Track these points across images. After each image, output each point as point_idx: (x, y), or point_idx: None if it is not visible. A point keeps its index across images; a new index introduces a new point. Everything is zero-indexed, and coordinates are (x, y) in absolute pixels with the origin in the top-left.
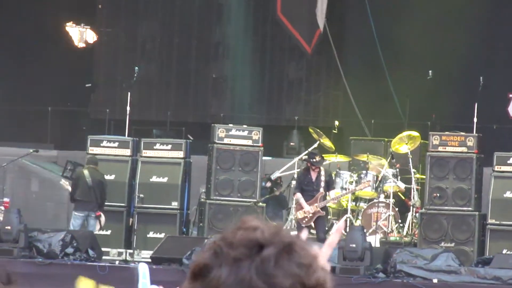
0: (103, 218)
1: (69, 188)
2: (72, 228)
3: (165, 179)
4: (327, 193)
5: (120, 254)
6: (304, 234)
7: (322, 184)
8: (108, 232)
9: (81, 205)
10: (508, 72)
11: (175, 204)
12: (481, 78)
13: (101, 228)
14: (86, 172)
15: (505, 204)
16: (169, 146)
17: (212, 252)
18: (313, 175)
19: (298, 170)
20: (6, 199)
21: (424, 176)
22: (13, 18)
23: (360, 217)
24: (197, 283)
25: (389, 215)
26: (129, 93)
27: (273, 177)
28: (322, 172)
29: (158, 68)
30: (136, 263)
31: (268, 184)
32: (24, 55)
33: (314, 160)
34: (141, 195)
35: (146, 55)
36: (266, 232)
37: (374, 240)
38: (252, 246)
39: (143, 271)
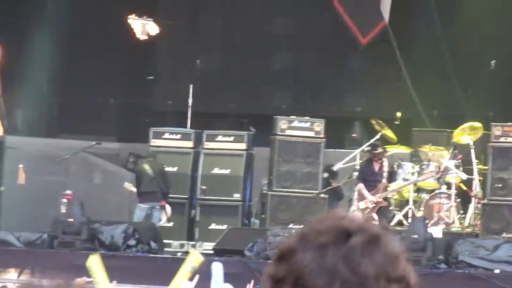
0: (168, 209)
1: (133, 189)
2: (136, 220)
3: (227, 171)
4: (390, 184)
5: (182, 246)
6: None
7: (385, 175)
8: (170, 224)
9: (146, 196)
10: None
11: (237, 196)
12: None
13: (168, 219)
14: (146, 165)
15: None
16: (232, 138)
17: (299, 237)
18: (376, 166)
19: (360, 161)
20: (68, 192)
21: (486, 167)
22: (75, 11)
23: (422, 208)
24: (281, 266)
25: (451, 206)
26: (191, 86)
27: (335, 168)
28: (385, 163)
29: (220, 60)
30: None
31: (325, 175)
32: (86, 47)
33: (377, 151)
34: (203, 187)
35: (208, 47)
36: (354, 221)
37: (436, 231)
38: (339, 233)
39: (217, 270)
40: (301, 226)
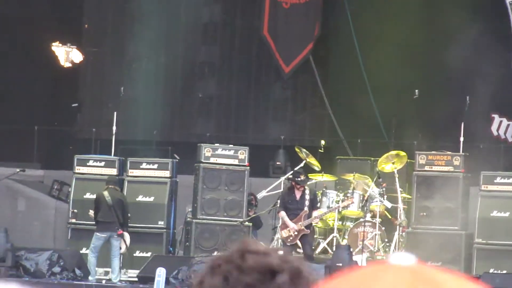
0: (127, 237)
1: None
2: (92, 248)
3: (151, 198)
4: (311, 212)
5: (106, 273)
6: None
7: (307, 203)
8: (125, 251)
9: (103, 226)
10: (491, 91)
11: (161, 223)
12: (467, 97)
13: (126, 247)
14: (105, 192)
15: (492, 223)
16: (156, 166)
17: (222, 277)
18: (298, 194)
19: (283, 189)
20: None
21: (410, 196)
22: (0, 37)
23: (346, 236)
24: None
25: (375, 234)
26: (115, 113)
27: (259, 196)
28: (307, 191)
29: (144, 87)
30: (123, 282)
31: None
32: (10, 74)
33: (299, 178)
34: (128, 215)
35: (132, 74)
36: (278, 258)
37: (361, 259)
38: (265, 272)
39: (160, 273)
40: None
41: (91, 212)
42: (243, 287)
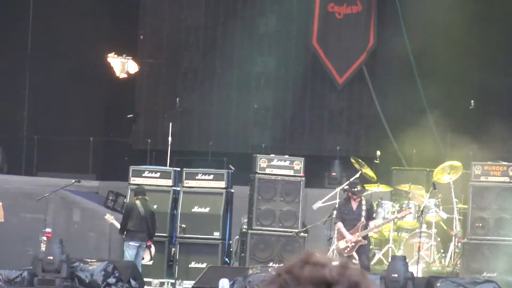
0: (153, 249)
1: (114, 222)
2: (128, 258)
3: (207, 209)
4: (368, 222)
5: (162, 284)
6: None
7: (363, 213)
8: (150, 263)
9: (135, 235)
10: None
11: (217, 234)
12: None
13: (151, 259)
14: (138, 202)
15: None
16: (211, 176)
17: (278, 286)
18: (354, 205)
19: (340, 200)
20: (48, 230)
21: (466, 206)
22: (57, 50)
23: (402, 247)
24: None
25: (431, 245)
26: (170, 124)
27: (314, 207)
28: (363, 202)
29: (200, 98)
30: None
31: None
32: (66, 85)
33: (356, 189)
34: (183, 225)
35: (188, 85)
36: (334, 270)
37: (416, 270)
38: (319, 283)
39: (224, 285)
40: (280, 265)
41: (108, 216)
42: None
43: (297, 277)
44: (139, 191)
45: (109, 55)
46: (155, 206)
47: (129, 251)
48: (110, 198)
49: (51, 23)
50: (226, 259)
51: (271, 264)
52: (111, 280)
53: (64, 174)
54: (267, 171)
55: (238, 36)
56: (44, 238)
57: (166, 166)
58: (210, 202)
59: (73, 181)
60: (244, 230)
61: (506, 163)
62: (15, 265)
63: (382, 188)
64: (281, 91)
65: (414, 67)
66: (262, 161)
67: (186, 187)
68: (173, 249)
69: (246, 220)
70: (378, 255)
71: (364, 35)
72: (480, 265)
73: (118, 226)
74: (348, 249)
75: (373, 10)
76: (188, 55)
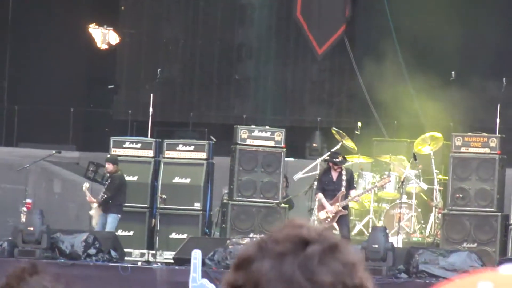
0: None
1: (87, 192)
2: (101, 228)
3: (187, 180)
4: (349, 192)
5: (142, 255)
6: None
7: (344, 183)
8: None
9: (120, 208)
10: None
11: (197, 205)
12: (504, 79)
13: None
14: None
15: None
16: (192, 147)
17: (257, 246)
18: (334, 175)
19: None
20: (28, 200)
21: (446, 177)
22: (37, 20)
23: (382, 218)
24: (239, 275)
25: (411, 215)
26: (151, 95)
27: (295, 178)
28: (343, 172)
29: (181, 69)
30: (159, 264)
31: None
32: (47, 56)
33: (337, 159)
34: (163, 196)
35: (169, 56)
36: (312, 230)
37: (397, 241)
38: (297, 242)
39: (196, 256)
40: (261, 235)
41: (85, 186)
42: (275, 256)
43: (275, 238)
44: (117, 160)
45: (90, 25)
46: (135, 177)
47: (113, 222)
48: (91, 169)
49: None
50: (207, 230)
51: (251, 235)
52: (92, 251)
53: (45, 144)
54: (248, 142)
55: (220, 7)
56: (24, 209)
57: (147, 137)
58: (191, 173)
59: (54, 151)
60: (225, 201)
61: (486, 134)
62: None
63: (363, 159)
64: (262, 62)
65: (395, 38)
66: (243, 132)
67: (167, 158)
68: (154, 220)
69: (227, 191)
70: (359, 226)
71: (342, 6)
72: (460, 236)
73: (89, 195)
74: (329, 219)
75: None
76: (169, 26)
